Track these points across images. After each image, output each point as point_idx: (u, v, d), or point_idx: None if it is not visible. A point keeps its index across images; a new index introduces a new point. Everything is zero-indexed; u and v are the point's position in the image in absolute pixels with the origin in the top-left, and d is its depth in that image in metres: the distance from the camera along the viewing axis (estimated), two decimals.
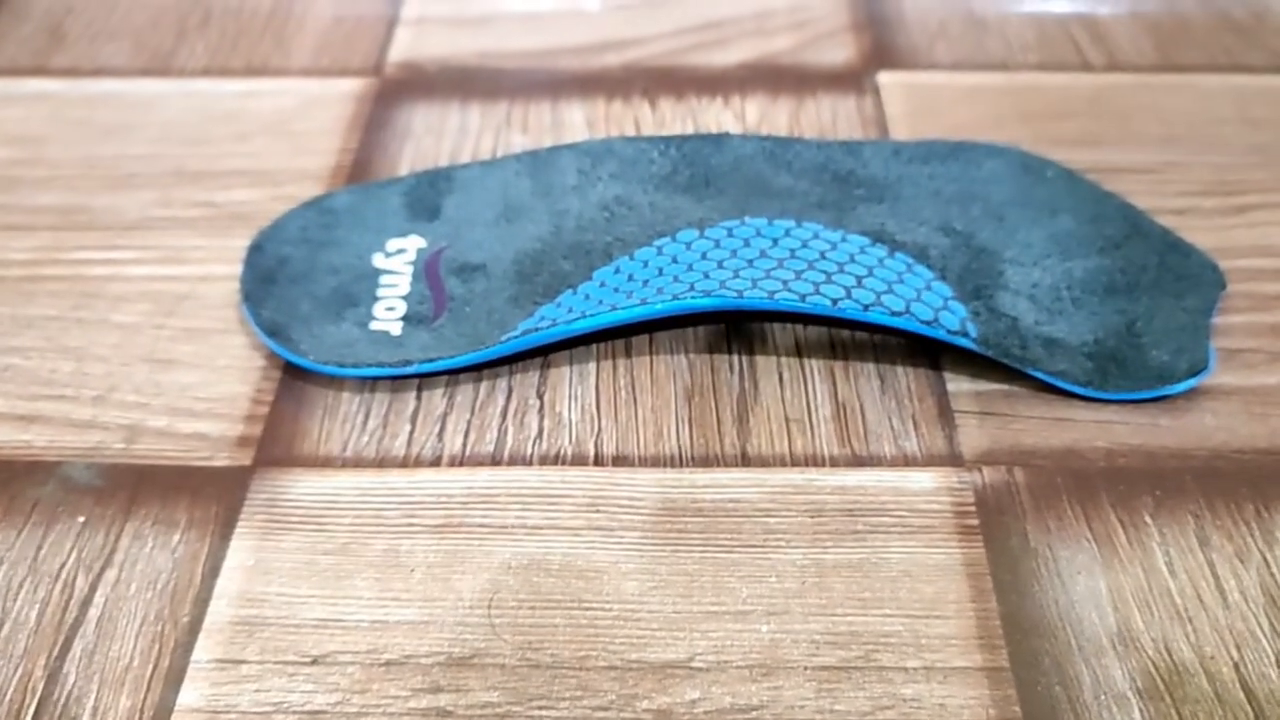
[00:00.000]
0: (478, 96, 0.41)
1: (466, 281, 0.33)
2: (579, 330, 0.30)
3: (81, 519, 0.28)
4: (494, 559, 0.27)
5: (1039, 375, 0.30)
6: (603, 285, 0.31)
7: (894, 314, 0.29)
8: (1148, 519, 0.27)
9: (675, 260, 0.31)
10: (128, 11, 0.46)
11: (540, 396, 0.31)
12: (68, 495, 0.28)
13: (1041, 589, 0.26)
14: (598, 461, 0.29)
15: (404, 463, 0.29)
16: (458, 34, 0.45)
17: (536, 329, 0.30)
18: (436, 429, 0.30)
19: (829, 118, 0.40)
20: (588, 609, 0.26)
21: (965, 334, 0.30)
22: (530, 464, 0.29)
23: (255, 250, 0.34)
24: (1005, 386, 0.31)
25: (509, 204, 0.35)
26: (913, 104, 0.40)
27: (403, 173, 0.38)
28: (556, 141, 0.39)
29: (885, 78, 0.42)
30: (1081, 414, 0.30)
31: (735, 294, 0.29)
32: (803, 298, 0.29)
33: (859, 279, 0.30)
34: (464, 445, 0.30)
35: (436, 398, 0.31)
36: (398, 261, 0.34)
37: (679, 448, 0.29)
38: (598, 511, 0.28)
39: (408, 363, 0.30)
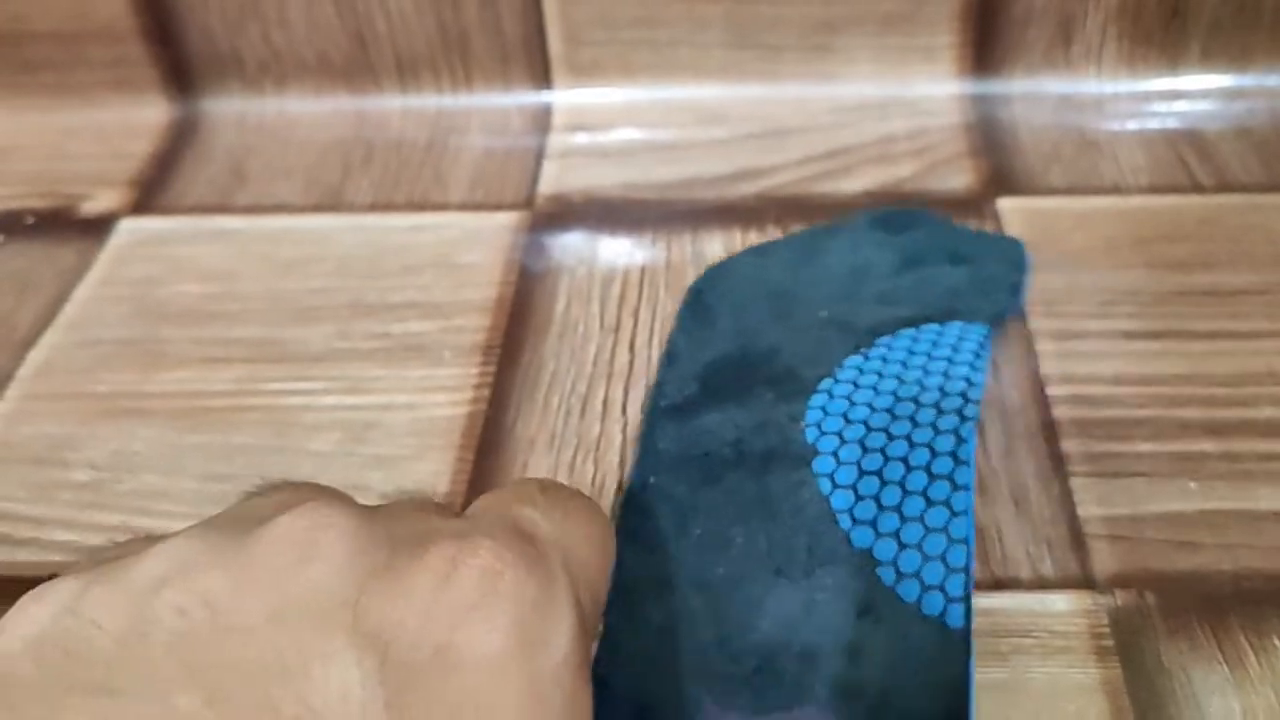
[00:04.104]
0: (624, 228, 0.45)
1: None
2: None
3: None
4: None
5: None
6: None
7: None
8: (1276, 641, 0.30)
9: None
10: (299, 149, 0.50)
11: None
12: None
13: (1178, 709, 0.28)
14: None
15: None
16: (601, 166, 0.48)
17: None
18: None
19: None
20: None
21: None
22: None
23: None
24: (1131, 511, 0.33)
25: None
26: (1033, 231, 0.43)
27: (560, 305, 0.41)
28: (698, 273, 0.42)
29: (1005, 204, 0.45)
30: (1206, 538, 0.32)
31: None
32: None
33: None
34: None
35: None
36: None
37: None
38: None
39: None
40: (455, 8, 0.50)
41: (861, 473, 0.31)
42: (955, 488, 0.30)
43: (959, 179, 0.46)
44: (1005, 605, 0.31)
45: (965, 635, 0.28)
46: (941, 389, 0.33)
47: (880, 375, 0.34)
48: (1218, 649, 0.30)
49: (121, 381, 0.39)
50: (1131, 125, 0.48)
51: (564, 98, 0.51)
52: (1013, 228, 0.43)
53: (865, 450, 0.31)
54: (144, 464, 0.36)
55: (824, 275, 0.39)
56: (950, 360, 0.34)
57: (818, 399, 0.33)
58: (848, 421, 0.32)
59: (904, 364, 0.34)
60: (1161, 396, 0.36)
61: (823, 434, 0.32)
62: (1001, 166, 0.47)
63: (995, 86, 0.50)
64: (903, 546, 0.29)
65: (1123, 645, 0.30)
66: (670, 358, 0.37)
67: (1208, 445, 0.35)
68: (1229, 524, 0.32)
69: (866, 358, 0.34)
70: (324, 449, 0.37)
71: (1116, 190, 0.45)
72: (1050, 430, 0.35)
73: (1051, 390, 0.37)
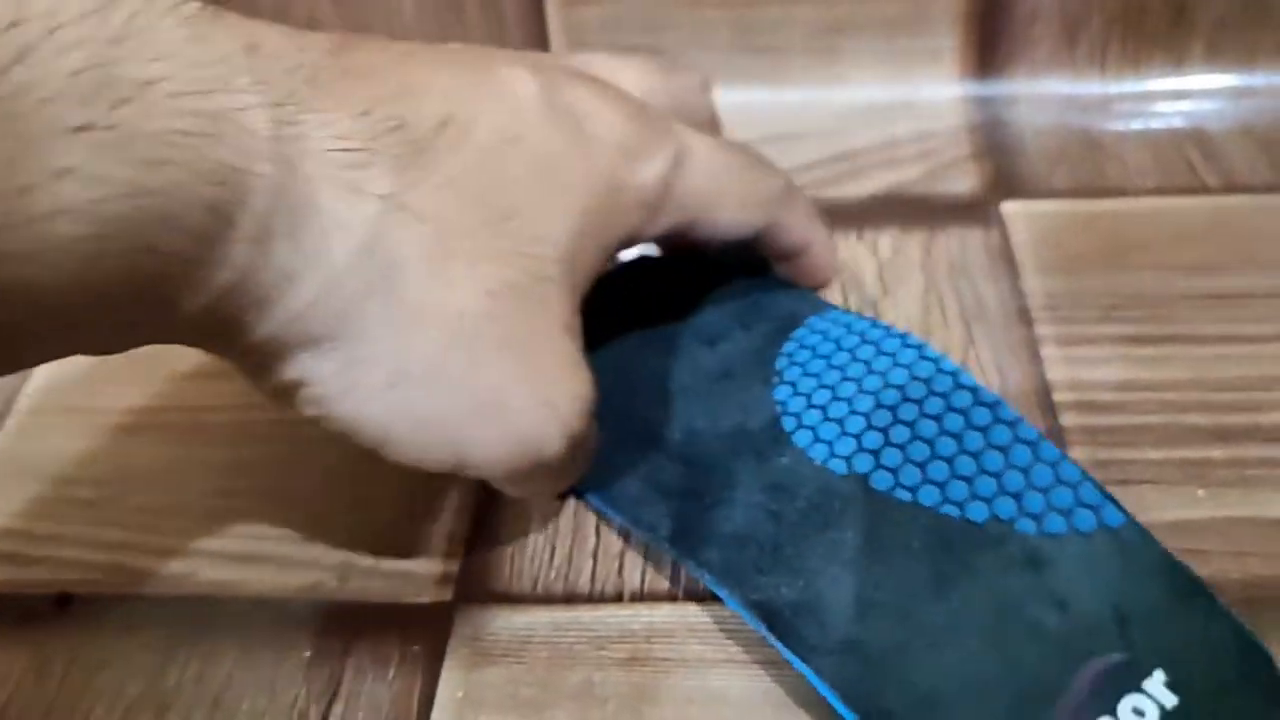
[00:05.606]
0: None
1: None
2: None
3: (308, 653, 0.31)
4: (678, 692, 0.30)
5: None
6: None
7: None
8: None
9: None
10: None
11: None
12: (295, 631, 0.32)
13: None
14: None
15: (589, 598, 0.32)
16: None
17: None
18: (616, 565, 0.33)
19: (958, 250, 0.43)
20: None
21: None
22: (704, 601, 0.32)
23: None
24: (1139, 518, 0.33)
25: None
26: (1037, 234, 0.43)
27: None
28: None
29: (1009, 207, 0.45)
30: (1214, 545, 0.32)
31: None
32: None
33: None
34: (642, 581, 0.33)
35: (614, 534, 0.34)
36: None
37: None
38: (768, 646, 0.30)
39: None
40: (457, 14, 0.50)
41: (921, 465, 0.31)
42: (1010, 423, 0.31)
43: (964, 182, 0.46)
44: None
45: (1132, 523, 0.29)
46: (897, 365, 0.32)
47: (822, 386, 0.33)
48: None
49: (127, 397, 0.39)
50: (1137, 126, 0.48)
51: None
52: (1017, 230, 0.43)
53: (903, 448, 0.31)
54: (150, 480, 0.37)
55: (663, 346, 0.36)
56: (872, 344, 0.33)
57: (800, 437, 0.32)
58: (861, 444, 0.31)
59: (831, 365, 0.33)
60: (1169, 402, 0.36)
61: (851, 458, 0.31)
62: (1006, 169, 0.47)
63: (1000, 88, 0.50)
64: (1017, 496, 0.29)
65: None
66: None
67: (1216, 451, 0.35)
68: (1237, 531, 0.32)
69: (782, 381, 0.33)
70: (332, 463, 0.37)
71: (1122, 192, 0.45)
72: (1057, 437, 0.35)
73: (1057, 396, 0.37)
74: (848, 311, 0.35)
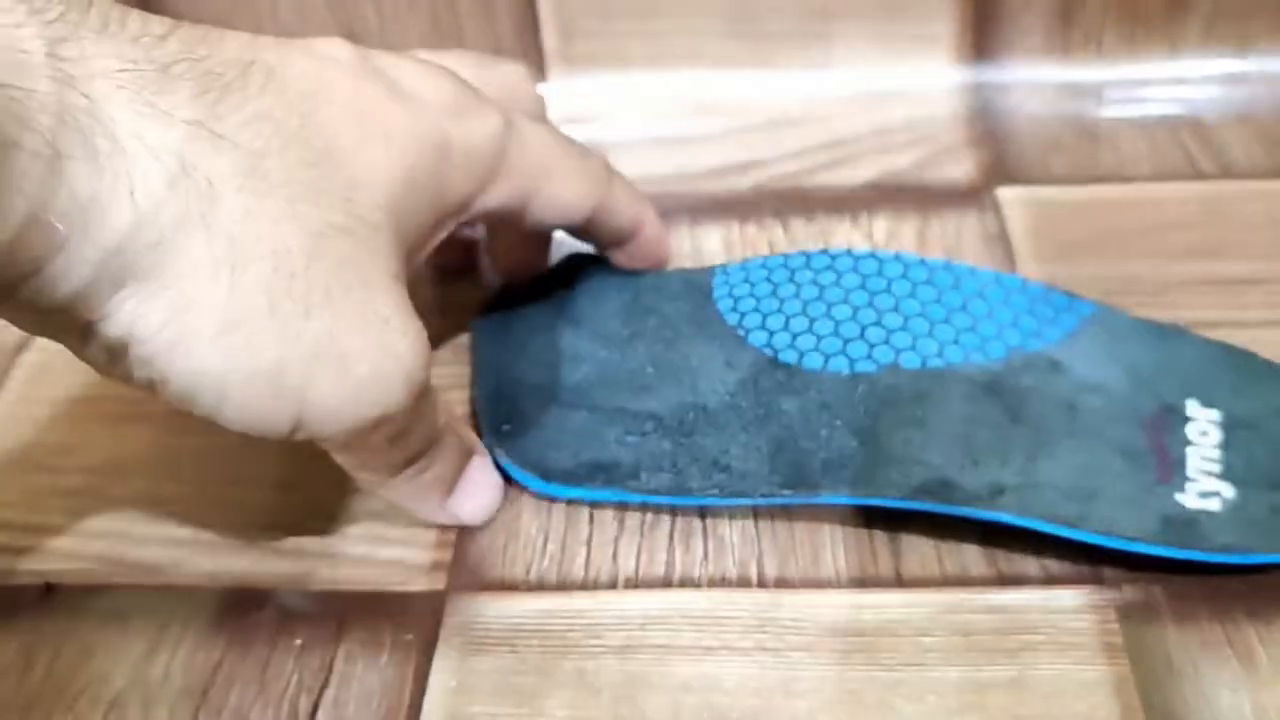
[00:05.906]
0: None
1: None
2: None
3: (299, 642, 0.31)
4: (673, 679, 0.29)
5: None
6: None
7: None
8: None
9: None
10: None
11: (703, 519, 0.33)
12: (285, 620, 0.32)
13: (1187, 705, 0.28)
14: (761, 584, 0.32)
15: (583, 586, 0.32)
16: None
17: None
18: (610, 552, 0.33)
19: (954, 237, 0.42)
20: None
21: None
22: (699, 586, 0.32)
23: None
24: None
25: None
26: (1033, 220, 0.43)
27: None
28: (697, 264, 0.41)
29: (1005, 193, 0.44)
30: None
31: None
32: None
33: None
34: (636, 568, 0.32)
35: (608, 520, 0.33)
36: None
37: (836, 570, 0.32)
38: (764, 633, 0.30)
39: None
40: (448, 1, 0.49)
41: (930, 334, 0.33)
42: (969, 273, 0.35)
43: (959, 168, 0.46)
44: (1013, 602, 0.30)
45: (1101, 307, 0.35)
46: (838, 273, 0.35)
47: (791, 319, 0.34)
48: (1227, 642, 0.29)
49: (114, 385, 0.39)
50: (1132, 112, 0.48)
51: (559, 90, 0.51)
52: (1013, 217, 0.43)
53: (906, 328, 0.33)
54: (138, 469, 0.36)
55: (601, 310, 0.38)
56: (805, 268, 0.35)
57: (811, 363, 0.33)
58: (870, 344, 0.33)
59: (780, 300, 0.35)
60: None
61: (872, 356, 0.33)
62: (1001, 155, 0.46)
63: (995, 74, 0.49)
64: (1014, 324, 0.34)
65: (1131, 640, 0.29)
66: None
67: None
68: None
69: (749, 331, 0.34)
70: (323, 451, 0.36)
71: (1117, 178, 0.45)
72: None
73: None
74: (734, 263, 0.37)
